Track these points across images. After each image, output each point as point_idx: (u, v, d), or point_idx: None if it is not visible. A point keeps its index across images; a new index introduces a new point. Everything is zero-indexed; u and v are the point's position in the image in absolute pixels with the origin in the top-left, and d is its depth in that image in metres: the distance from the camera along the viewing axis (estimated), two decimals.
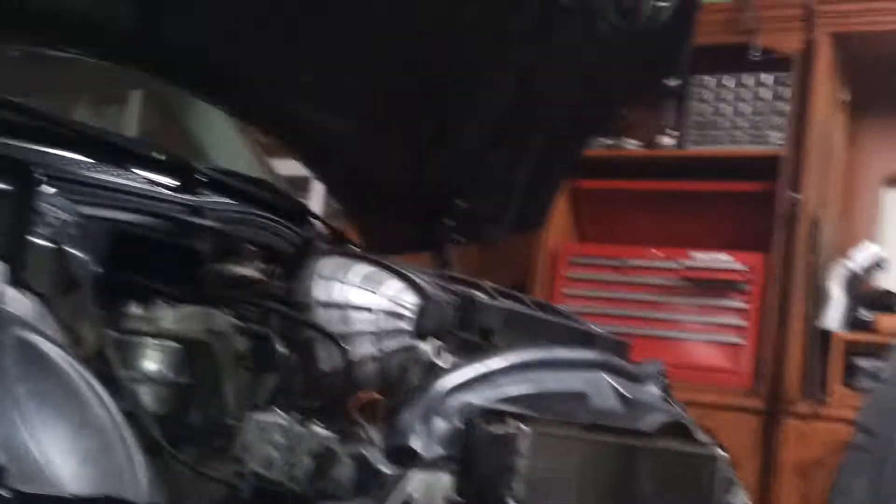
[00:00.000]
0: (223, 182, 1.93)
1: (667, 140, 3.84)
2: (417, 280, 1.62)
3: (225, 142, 2.66)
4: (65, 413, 1.08)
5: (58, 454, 1.03)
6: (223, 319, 1.47)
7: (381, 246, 2.49)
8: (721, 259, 3.51)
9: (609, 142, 3.85)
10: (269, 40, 2.19)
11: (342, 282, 1.58)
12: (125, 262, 1.45)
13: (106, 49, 2.24)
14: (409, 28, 2.17)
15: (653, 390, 1.97)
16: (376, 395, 1.43)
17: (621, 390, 1.78)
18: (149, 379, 1.36)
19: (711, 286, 3.52)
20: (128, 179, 1.70)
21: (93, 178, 1.61)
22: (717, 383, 3.41)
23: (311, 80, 2.29)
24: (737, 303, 3.49)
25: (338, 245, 2.12)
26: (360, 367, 1.48)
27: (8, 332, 1.10)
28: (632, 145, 3.88)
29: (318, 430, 1.27)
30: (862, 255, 3.40)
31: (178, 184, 1.80)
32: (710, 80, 3.81)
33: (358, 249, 2.26)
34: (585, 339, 1.98)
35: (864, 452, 3.04)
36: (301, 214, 2.20)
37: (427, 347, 1.55)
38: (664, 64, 2.42)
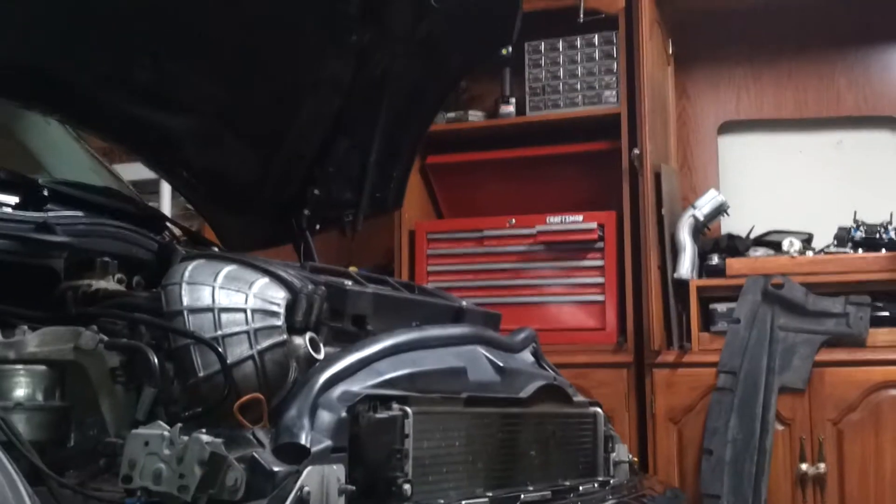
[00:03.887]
0: (68, 194, 1.86)
1: (508, 109, 3.89)
2: (284, 274, 1.61)
3: (63, 152, 2.57)
4: None
5: None
6: (90, 337, 1.42)
7: (242, 243, 2.47)
8: (574, 220, 3.58)
9: (453, 115, 3.88)
10: (97, 44, 2.12)
11: (209, 285, 1.55)
12: None
13: None
14: (239, 22, 2.14)
15: (526, 357, 2.01)
16: (257, 395, 1.41)
17: (496, 361, 1.82)
18: (21, 406, 1.31)
19: (568, 248, 3.60)
20: None
21: None
22: (585, 342, 3.50)
23: (143, 81, 2.23)
24: (594, 262, 3.58)
25: (197, 247, 2.08)
26: (237, 368, 1.46)
27: None
28: (476, 117, 3.92)
29: (204, 437, 1.24)
30: (705, 203, 3.52)
31: (21, 200, 1.73)
32: (542, 45, 3.87)
33: (219, 250, 2.23)
34: (456, 314, 2.01)
35: (729, 392, 3.19)
36: (154, 220, 2.15)
37: (302, 341, 1.54)
38: (497, 34, 2.45)
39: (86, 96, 2.29)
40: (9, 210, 1.69)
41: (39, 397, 1.33)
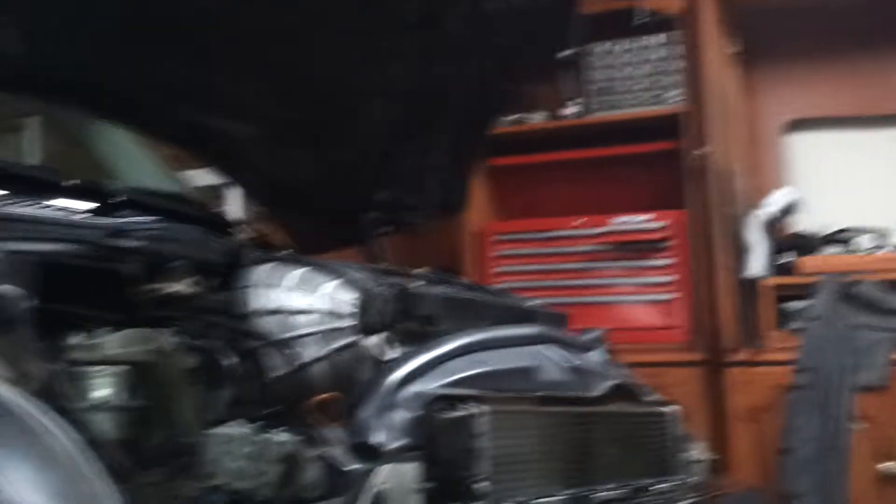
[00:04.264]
0: (142, 200, 1.89)
1: (571, 110, 3.88)
2: (353, 276, 1.62)
3: (134, 159, 2.61)
4: (27, 450, 1.07)
5: (29, 492, 1.02)
6: (166, 338, 1.44)
7: (311, 246, 2.48)
8: (641, 220, 3.56)
9: (515, 118, 3.88)
10: (162, 55, 2.15)
11: (280, 287, 1.57)
12: (58, 293, 1.42)
13: None
14: (300, 30, 2.16)
15: (597, 357, 2.00)
16: (331, 395, 1.42)
17: (567, 361, 1.81)
18: (103, 406, 1.34)
19: (635, 247, 3.58)
20: (42, 210, 1.66)
21: (10, 213, 1.57)
22: (656, 341, 3.46)
23: (207, 90, 2.26)
24: (663, 261, 3.55)
25: (267, 250, 2.10)
26: (309, 369, 1.48)
27: None
28: (538, 119, 3.92)
29: (281, 436, 1.26)
30: (775, 201, 3.48)
31: (98, 208, 1.76)
32: (603, 47, 3.86)
33: (288, 252, 2.25)
34: (524, 315, 2.00)
35: (808, 390, 3.13)
36: (224, 224, 2.17)
37: (372, 342, 1.55)
38: (555, 36, 2.45)
39: (150, 106, 2.33)
40: (85, 216, 1.72)
41: (121, 397, 1.36)
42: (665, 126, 3.66)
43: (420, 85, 2.35)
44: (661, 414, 1.98)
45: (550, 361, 1.79)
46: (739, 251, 3.43)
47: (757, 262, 3.38)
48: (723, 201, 3.44)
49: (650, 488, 1.84)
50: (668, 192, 3.63)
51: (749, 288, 3.40)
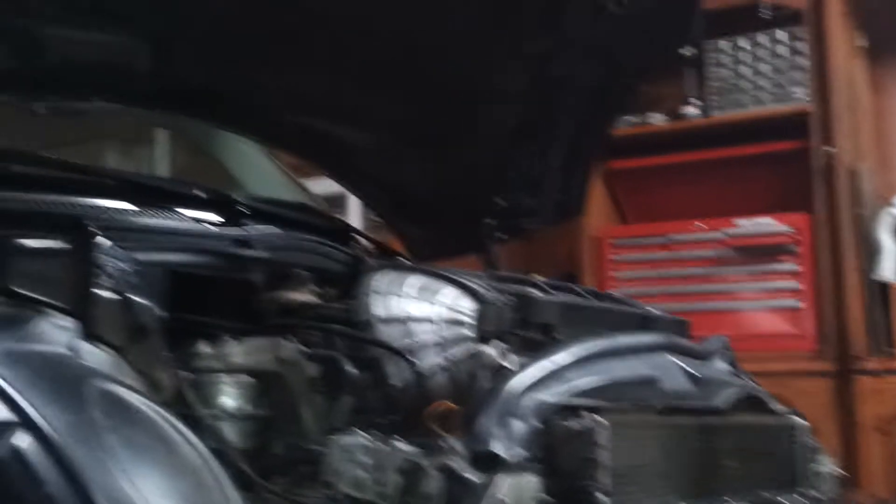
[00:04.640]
0: (264, 210, 1.94)
1: (692, 110, 3.82)
2: (472, 284, 1.62)
3: (258, 169, 2.67)
4: (157, 458, 1.10)
5: (158, 498, 1.05)
6: (290, 348, 1.47)
7: (428, 254, 2.50)
8: (765, 223, 3.47)
9: (635, 119, 3.83)
10: (287, 66, 2.20)
11: (399, 295, 1.58)
12: (185, 302, 1.46)
13: (128, 94, 2.26)
14: (416, 36, 2.17)
15: (720, 366, 1.95)
16: (450, 405, 1.42)
17: (690, 370, 1.77)
18: (229, 415, 1.37)
19: (760, 252, 3.49)
20: (174, 220, 1.71)
21: (141, 223, 1.62)
22: (782, 349, 3.37)
23: (324, 99, 2.29)
24: (788, 265, 3.46)
25: (386, 259, 2.12)
26: (429, 378, 1.48)
27: (91, 385, 1.12)
28: (658, 120, 3.86)
29: (402, 445, 1.27)
30: None
31: (223, 218, 1.80)
32: (725, 44, 3.78)
33: (407, 261, 2.27)
34: (644, 322, 1.97)
35: None
36: (344, 233, 2.20)
37: (492, 351, 1.55)
38: (676, 35, 2.41)
39: (272, 116, 2.38)
40: (210, 226, 1.76)
41: (245, 406, 1.39)
42: (790, 125, 3.57)
43: (539, 86, 2.33)
44: (789, 425, 1.92)
45: (673, 370, 1.75)
46: (870, 253, 3.31)
47: (889, 265, 3.26)
48: (852, 201, 3.33)
49: (777, 502, 1.78)
50: (794, 193, 3.53)
51: (880, 292, 3.28)
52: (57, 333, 1.21)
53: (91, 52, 2.06)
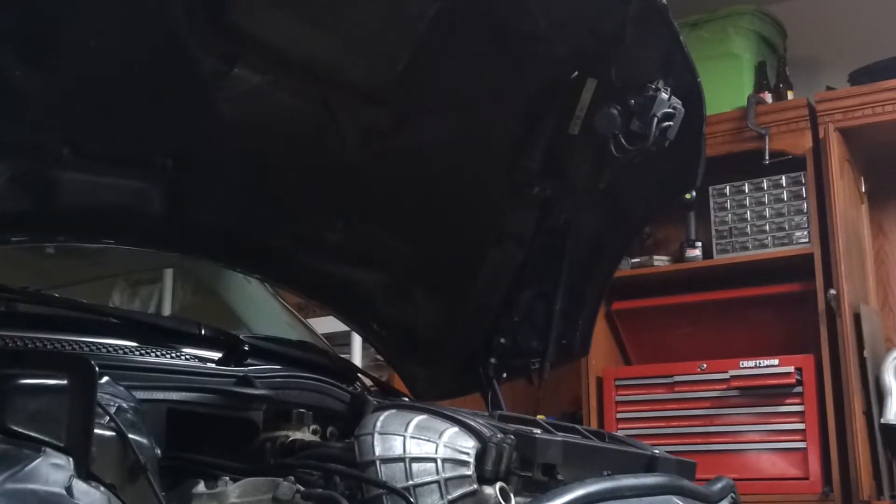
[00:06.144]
0: (267, 348, 1.95)
1: (694, 252, 3.85)
2: (473, 423, 1.61)
3: (262, 307, 2.69)
4: None
5: None
6: (287, 487, 1.45)
7: (430, 393, 2.49)
8: (769, 364, 3.46)
9: (639, 260, 3.86)
10: (293, 209, 2.23)
11: (399, 434, 1.57)
12: (185, 441, 1.46)
13: (140, 237, 2.29)
14: (425, 180, 2.21)
15: None
16: None
17: None
18: None
19: (764, 393, 3.47)
20: (175, 359, 1.72)
21: (143, 362, 1.64)
22: (787, 492, 3.32)
23: (335, 241, 2.33)
24: (793, 407, 3.43)
25: (388, 397, 2.11)
26: None
27: None
28: (661, 261, 3.89)
29: None
30: None
31: (226, 356, 1.81)
32: (728, 188, 3.84)
33: (408, 399, 2.26)
34: (649, 463, 1.95)
35: None
36: (347, 371, 2.20)
37: (492, 491, 1.53)
38: (680, 179, 2.45)
39: (283, 257, 2.41)
40: (212, 365, 1.77)
41: None
42: (793, 267, 3.59)
43: (541, 230, 2.37)
44: None
45: None
46: (875, 396, 3.28)
47: (895, 408, 3.23)
48: (856, 344, 3.32)
49: None
50: (797, 335, 3.53)
51: (888, 435, 3.24)
52: (53, 472, 1.20)
53: (104, 196, 2.10)
